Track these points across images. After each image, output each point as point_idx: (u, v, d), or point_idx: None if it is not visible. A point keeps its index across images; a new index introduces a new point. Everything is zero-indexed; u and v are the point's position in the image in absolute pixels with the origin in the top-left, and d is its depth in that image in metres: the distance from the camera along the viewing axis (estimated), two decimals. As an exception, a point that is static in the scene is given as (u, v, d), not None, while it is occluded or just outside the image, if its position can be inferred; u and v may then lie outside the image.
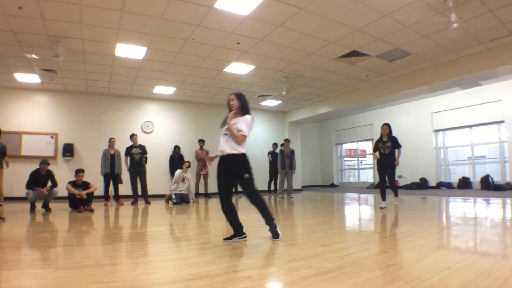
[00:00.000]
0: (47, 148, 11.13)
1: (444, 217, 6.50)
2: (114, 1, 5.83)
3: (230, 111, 4.22)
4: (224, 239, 4.15)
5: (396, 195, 7.96)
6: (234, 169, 4.11)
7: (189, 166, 10.09)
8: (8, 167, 8.02)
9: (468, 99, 12.71)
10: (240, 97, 4.23)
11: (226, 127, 4.16)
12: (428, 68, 9.45)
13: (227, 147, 4.08)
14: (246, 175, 4.10)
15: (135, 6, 6.03)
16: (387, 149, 7.77)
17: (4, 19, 6.30)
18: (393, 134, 7.95)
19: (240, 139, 4.02)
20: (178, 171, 9.75)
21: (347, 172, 19.68)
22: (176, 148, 12.48)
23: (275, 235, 4.14)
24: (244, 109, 4.22)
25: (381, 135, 7.92)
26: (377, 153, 8.00)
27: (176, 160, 11.98)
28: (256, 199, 4.19)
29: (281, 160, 11.45)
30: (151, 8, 6.12)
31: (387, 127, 7.87)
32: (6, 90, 10.77)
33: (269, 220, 4.18)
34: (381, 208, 7.48)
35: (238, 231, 4.18)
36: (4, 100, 10.44)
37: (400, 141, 7.85)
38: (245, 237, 4.19)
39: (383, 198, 7.79)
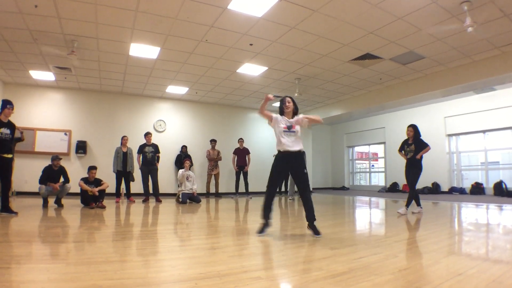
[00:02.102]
0: (61, 145, 11.26)
1: (456, 222, 6.42)
2: (129, 1, 5.89)
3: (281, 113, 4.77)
4: (258, 233, 4.55)
5: (407, 205, 7.25)
6: (294, 165, 4.58)
7: (191, 164, 10.08)
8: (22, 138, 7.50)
9: (482, 103, 12.56)
10: (294, 101, 4.79)
11: (288, 125, 4.61)
12: (442, 72, 9.36)
13: (295, 144, 4.58)
14: (306, 170, 4.59)
15: (150, 6, 6.08)
16: (410, 153, 7.41)
17: (20, 17, 6.40)
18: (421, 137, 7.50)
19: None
20: (180, 171, 9.77)
21: (358, 175, 19.59)
22: (184, 147, 12.51)
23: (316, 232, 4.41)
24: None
25: (408, 137, 7.57)
26: (403, 152, 7.65)
27: (182, 160, 12.01)
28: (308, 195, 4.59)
29: None
30: (166, 9, 6.16)
31: (411, 129, 7.49)
32: (22, 86, 10.94)
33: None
34: (413, 213, 7.21)
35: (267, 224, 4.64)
36: (19, 97, 10.58)
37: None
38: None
39: (417, 203, 7.39)
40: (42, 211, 7.01)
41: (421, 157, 7.28)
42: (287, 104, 4.72)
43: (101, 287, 2.34)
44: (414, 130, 7.48)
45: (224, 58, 8.67)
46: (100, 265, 2.90)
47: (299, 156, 4.58)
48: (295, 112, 4.78)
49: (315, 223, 4.51)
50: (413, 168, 7.36)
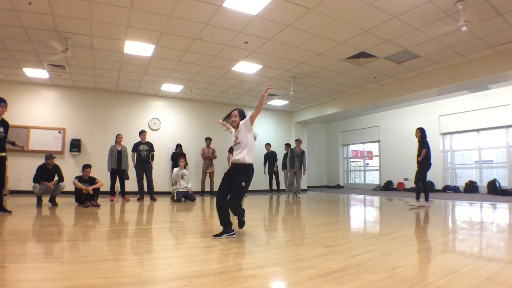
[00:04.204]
0: (55, 143, 11.19)
1: (449, 221, 6.46)
2: (123, -2, 5.86)
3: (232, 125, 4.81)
4: (214, 235, 4.34)
5: (416, 198, 8.40)
6: (238, 176, 4.45)
7: (185, 163, 10.09)
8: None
9: (476, 102, 12.63)
10: (241, 113, 4.75)
11: (234, 138, 4.63)
12: (436, 70, 9.40)
13: (237, 154, 4.52)
14: (243, 184, 4.40)
15: (144, 4, 6.05)
16: (417, 152, 8.44)
17: (14, 14, 6.35)
18: (426, 139, 8.46)
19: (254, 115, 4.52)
20: (175, 170, 9.76)
21: (353, 173, 19.64)
22: (178, 148, 12.44)
23: (219, 234, 4.33)
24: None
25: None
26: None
27: (177, 159, 11.94)
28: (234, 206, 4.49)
29: (291, 160, 11.46)
30: (160, 6, 6.13)
31: (418, 131, 8.50)
32: (15, 84, 10.85)
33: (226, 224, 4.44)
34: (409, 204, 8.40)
35: (227, 227, 4.39)
36: (13, 95, 10.50)
37: (407, 144, 8.17)
38: (234, 234, 4.37)
39: (425, 198, 8.46)
40: (36, 209, 6.98)
41: (423, 158, 8.30)
42: (233, 118, 4.74)
43: (95, 286, 2.34)
44: (420, 132, 8.49)
45: (219, 56, 8.65)
46: (94, 264, 2.89)
47: (239, 169, 4.49)
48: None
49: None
50: (418, 166, 8.47)
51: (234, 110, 4.78)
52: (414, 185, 8.67)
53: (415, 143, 8.70)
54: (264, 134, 14.77)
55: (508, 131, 12.14)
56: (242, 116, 4.72)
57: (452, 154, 13.99)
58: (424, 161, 8.30)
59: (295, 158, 11.39)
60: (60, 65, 9.32)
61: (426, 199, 8.38)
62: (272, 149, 13.79)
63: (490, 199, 9.99)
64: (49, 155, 7.97)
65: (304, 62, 9.05)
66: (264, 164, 13.39)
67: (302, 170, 11.41)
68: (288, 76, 10.24)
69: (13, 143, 6.76)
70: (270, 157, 13.39)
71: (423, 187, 8.53)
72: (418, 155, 8.37)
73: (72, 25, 6.85)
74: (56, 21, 6.64)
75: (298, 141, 11.77)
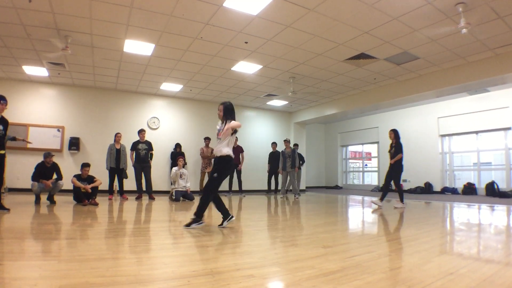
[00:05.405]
0: (54, 141, 11.18)
1: (448, 222, 6.46)
2: (124, -3, 5.86)
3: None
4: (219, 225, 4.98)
5: (399, 199, 8.30)
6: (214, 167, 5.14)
7: (184, 162, 10.15)
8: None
9: (475, 105, 12.66)
10: (225, 109, 5.04)
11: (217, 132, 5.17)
12: (436, 72, 9.41)
13: (219, 150, 5.07)
14: (215, 174, 4.92)
15: (145, 3, 6.05)
16: (390, 154, 8.39)
17: (14, 12, 6.34)
18: (401, 140, 8.32)
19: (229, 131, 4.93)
20: (174, 169, 9.76)
21: (352, 174, 19.65)
22: (177, 147, 12.43)
23: (189, 224, 4.86)
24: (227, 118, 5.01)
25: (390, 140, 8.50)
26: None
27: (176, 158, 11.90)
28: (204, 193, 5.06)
29: (282, 161, 11.45)
30: (161, 5, 6.13)
31: (391, 133, 8.42)
32: (15, 82, 10.84)
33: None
34: (395, 207, 8.19)
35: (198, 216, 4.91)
36: (12, 92, 10.45)
37: (405, 145, 8.15)
38: (232, 217, 5.03)
39: (380, 198, 8.40)
40: (34, 208, 6.96)
41: (396, 161, 8.22)
42: (218, 112, 5.10)
43: (93, 284, 2.34)
44: (393, 133, 8.41)
45: (219, 55, 8.65)
46: (92, 262, 2.89)
47: (216, 160, 5.12)
48: (226, 119, 5.01)
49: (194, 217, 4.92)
50: (392, 169, 8.35)
51: (221, 104, 5.08)
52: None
53: (414, 144, 8.69)
54: (263, 134, 14.80)
55: (506, 133, 12.18)
56: (226, 111, 5.01)
57: (451, 156, 14.02)
58: (397, 164, 8.24)
59: (286, 159, 11.36)
60: (59, 63, 9.31)
61: (381, 199, 8.35)
62: (270, 149, 13.69)
63: (488, 201, 10.01)
64: (48, 153, 7.95)
65: (304, 63, 9.05)
66: (269, 163, 13.18)
67: (295, 168, 11.31)
68: (288, 76, 10.25)
69: (14, 138, 6.73)
70: (274, 156, 13.05)
71: (385, 188, 8.47)
72: (391, 157, 8.32)
73: (72, 23, 6.85)
74: (56, 19, 6.64)
75: (287, 142, 11.79)
